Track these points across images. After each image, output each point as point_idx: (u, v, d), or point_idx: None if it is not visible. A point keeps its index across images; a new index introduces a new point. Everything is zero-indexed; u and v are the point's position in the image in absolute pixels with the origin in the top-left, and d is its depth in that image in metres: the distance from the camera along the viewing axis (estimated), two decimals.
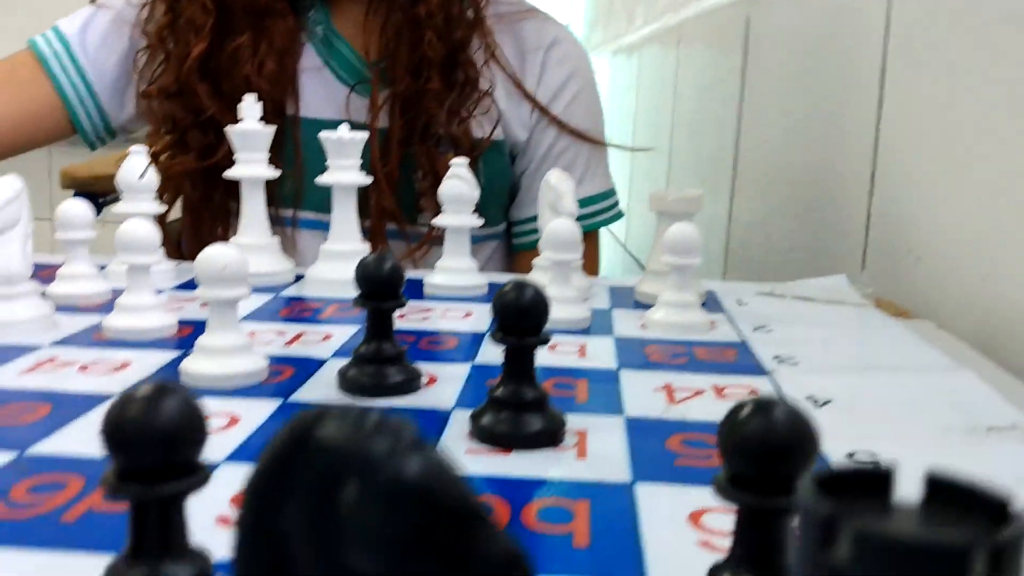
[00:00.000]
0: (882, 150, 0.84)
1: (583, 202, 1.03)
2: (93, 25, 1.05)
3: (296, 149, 0.98)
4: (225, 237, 1.00)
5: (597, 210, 1.07)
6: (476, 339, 0.60)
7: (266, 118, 0.79)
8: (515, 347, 0.42)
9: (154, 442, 0.24)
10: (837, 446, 0.42)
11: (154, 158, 1.02)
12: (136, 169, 0.70)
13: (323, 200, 0.95)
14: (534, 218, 1.05)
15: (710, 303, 0.71)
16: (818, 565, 0.15)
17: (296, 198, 0.98)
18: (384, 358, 0.48)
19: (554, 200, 0.70)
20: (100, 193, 1.57)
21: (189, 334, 0.58)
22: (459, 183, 0.71)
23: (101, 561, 0.29)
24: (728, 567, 0.27)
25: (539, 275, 0.70)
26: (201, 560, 0.26)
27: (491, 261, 1.10)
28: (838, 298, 0.73)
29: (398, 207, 0.97)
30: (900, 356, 0.58)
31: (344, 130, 0.71)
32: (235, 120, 0.86)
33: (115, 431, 0.24)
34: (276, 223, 0.85)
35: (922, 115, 0.78)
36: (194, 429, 0.25)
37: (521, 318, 0.41)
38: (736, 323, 0.66)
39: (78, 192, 1.67)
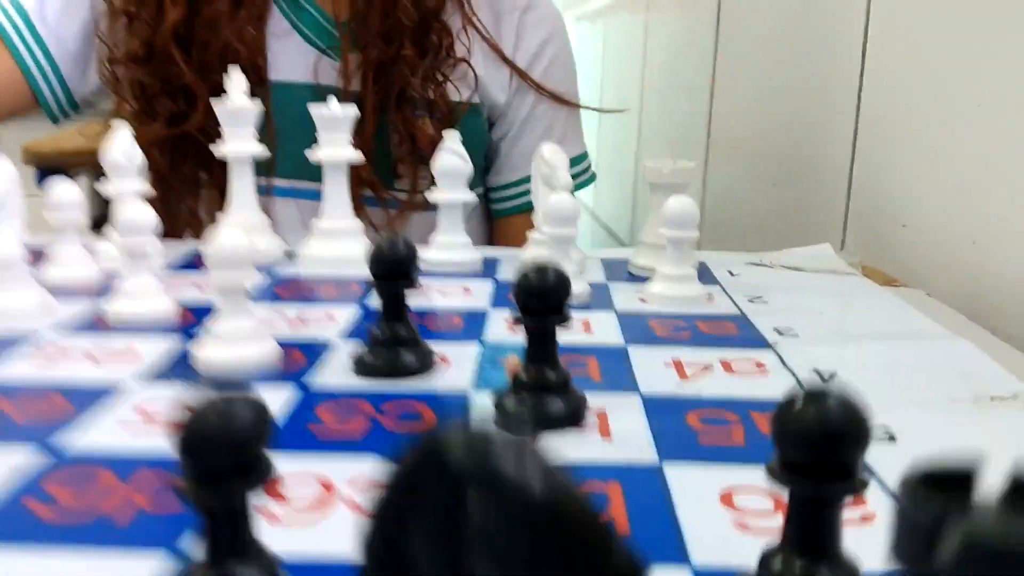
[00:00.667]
0: (864, 116, 0.85)
1: None
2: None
3: (267, 115, 0.97)
4: (195, 208, 0.99)
5: (573, 173, 1.08)
6: (479, 317, 0.60)
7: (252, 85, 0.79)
8: (538, 329, 0.42)
9: (229, 448, 0.24)
10: None
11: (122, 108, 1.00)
12: (121, 147, 0.68)
13: (296, 167, 0.94)
14: (515, 183, 1.06)
15: (702, 274, 0.72)
16: (924, 567, 0.16)
17: (269, 165, 0.97)
18: (399, 340, 0.48)
19: (548, 174, 0.70)
20: (65, 168, 1.54)
21: (192, 320, 0.57)
22: (452, 157, 0.70)
23: (149, 561, 0.29)
24: (781, 552, 0.27)
25: (536, 249, 0.70)
26: (270, 561, 0.26)
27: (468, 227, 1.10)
28: (826, 267, 0.75)
29: (375, 174, 0.97)
30: (897, 325, 0.59)
31: (334, 104, 0.70)
32: (211, 87, 0.85)
33: (194, 443, 0.24)
34: None
35: (906, 81, 0.79)
36: (264, 430, 0.25)
37: (544, 300, 0.41)
38: (731, 294, 0.67)
39: (41, 168, 1.63)
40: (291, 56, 0.98)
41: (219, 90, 0.92)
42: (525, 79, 1.04)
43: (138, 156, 0.70)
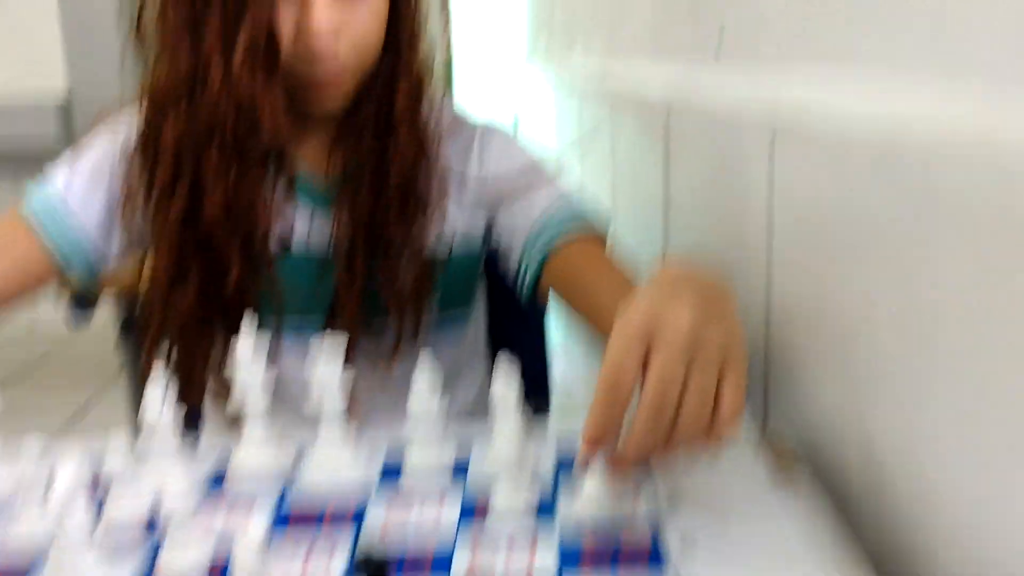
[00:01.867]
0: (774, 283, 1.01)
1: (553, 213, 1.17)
2: (74, 180, 1.17)
3: (272, 275, 1.14)
4: (209, 353, 1.15)
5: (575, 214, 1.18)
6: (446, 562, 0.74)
7: (267, 252, 1.09)
8: None
9: None
10: None
11: (152, 280, 1.15)
12: (155, 407, 0.85)
13: (296, 318, 1.14)
14: (533, 236, 1.17)
15: None
16: None
17: (277, 322, 1.15)
18: None
19: (499, 399, 0.86)
20: (91, 299, 1.71)
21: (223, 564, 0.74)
22: (426, 372, 0.87)
23: None
24: None
25: (503, 446, 0.85)
26: None
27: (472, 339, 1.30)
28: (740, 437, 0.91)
29: (367, 313, 1.15)
30: (770, 535, 0.76)
31: (329, 339, 0.88)
32: (251, 258, 1.08)
33: None
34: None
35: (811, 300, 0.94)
36: None
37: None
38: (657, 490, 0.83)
39: (73, 295, 1.81)
40: (290, 215, 1.15)
41: (249, 249, 1.10)
42: (498, 184, 1.20)
43: (169, 414, 0.86)
